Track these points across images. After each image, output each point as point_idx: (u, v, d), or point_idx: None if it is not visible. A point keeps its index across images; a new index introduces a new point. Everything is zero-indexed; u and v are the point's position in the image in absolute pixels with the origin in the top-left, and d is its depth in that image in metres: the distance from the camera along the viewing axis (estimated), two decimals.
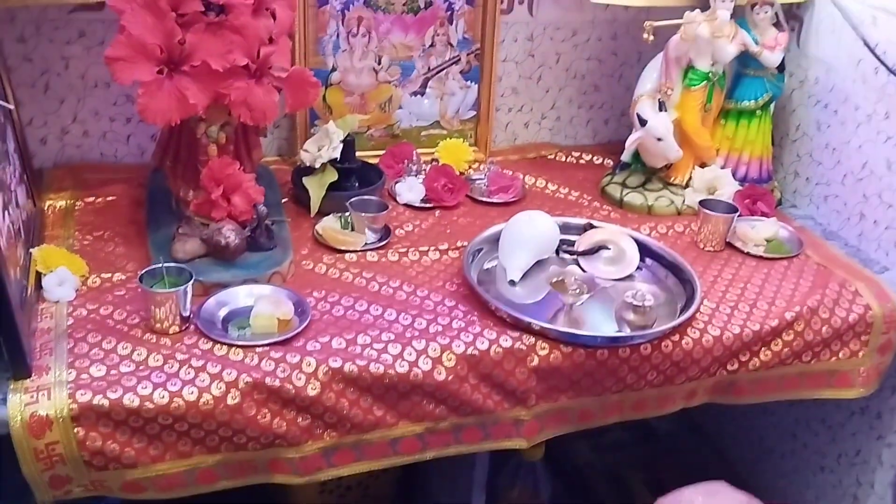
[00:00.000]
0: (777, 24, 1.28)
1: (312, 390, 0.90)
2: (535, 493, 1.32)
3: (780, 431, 1.42)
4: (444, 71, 1.38)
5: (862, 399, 1.18)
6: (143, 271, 0.95)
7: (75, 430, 0.83)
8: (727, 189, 1.30)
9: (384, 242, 1.15)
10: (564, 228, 1.17)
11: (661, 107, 1.28)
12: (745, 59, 1.30)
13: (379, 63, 1.34)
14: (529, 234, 1.12)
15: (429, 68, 1.37)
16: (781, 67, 1.30)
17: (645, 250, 1.16)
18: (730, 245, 1.22)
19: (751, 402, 1.10)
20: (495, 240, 1.14)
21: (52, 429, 0.82)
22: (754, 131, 1.34)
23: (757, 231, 1.22)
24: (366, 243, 1.14)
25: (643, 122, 1.27)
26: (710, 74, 1.28)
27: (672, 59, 1.27)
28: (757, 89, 1.32)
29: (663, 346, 1.01)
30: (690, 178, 1.32)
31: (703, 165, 1.33)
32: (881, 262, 1.21)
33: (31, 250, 0.98)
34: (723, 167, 1.33)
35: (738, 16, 1.27)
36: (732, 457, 1.57)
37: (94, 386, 0.84)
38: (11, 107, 1.01)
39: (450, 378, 0.95)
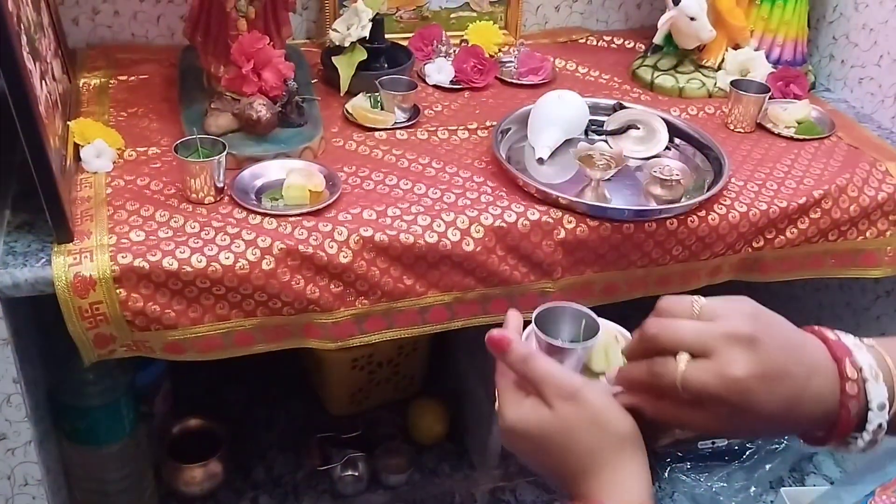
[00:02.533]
0: None
1: (344, 258, 0.92)
2: None
3: (804, 316, 1.42)
4: None
5: (887, 281, 1.19)
6: (178, 142, 0.97)
7: (118, 290, 0.86)
8: (760, 71, 1.28)
9: (413, 121, 1.16)
10: (594, 109, 1.17)
11: None
12: None
13: None
14: (559, 112, 1.12)
15: None
16: None
17: (674, 130, 1.15)
18: (760, 126, 1.21)
19: (775, 280, 1.11)
20: (524, 119, 1.14)
21: (96, 289, 0.85)
22: (790, 12, 1.31)
23: (788, 113, 1.20)
24: (395, 122, 1.15)
25: (676, 1, 1.25)
26: None
27: None
28: None
29: (689, 222, 1.02)
30: (723, 60, 1.30)
31: (736, 47, 1.31)
32: None
33: (68, 122, 1.00)
34: (756, 49, 1.31)
35: None
36: None
37: (135, 249, 0.87)
38: None
39: (478, 249, 0.97)
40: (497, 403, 0.66)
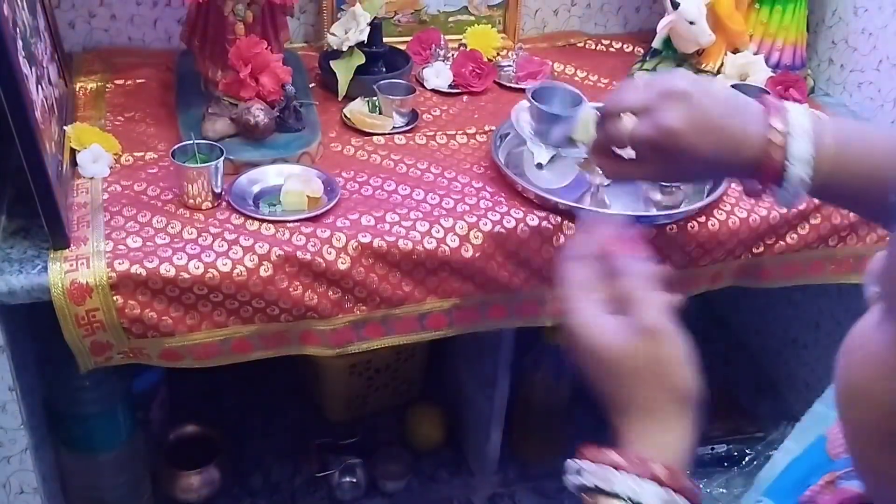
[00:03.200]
0: None
1: (342, 264, 0.92)
2: (558, 377, 1.35)
3: (803, 322, 1.43)
4: None
5: None
6: (175, 147, 0.96)
7: (114, 297, 0.86)
8: (760, 75, 1.27)
9: (412, 126, 1.15)
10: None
11: None
12: None
13: None
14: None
15: None
16: None
17: None
18: None
19: (775, 286, 1.11)
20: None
21: (92, 296, 0.85)
22: (789, 16, 1.30)
23: None
24: (393, 126, 1.14)
25: (675, 6, 1.24)
26: None
27: None
28: None
29: (689, 227, 1.02)
30: (722, 64, 1.30)
31: (735, 51, 1.30)
32: None
33: (64, 127, 1.00)
34: (756, 53, 1.30)
35: None
36: (755, 347, 1.59)
37: (131, 256, 0.87)
38: None
39: (477, 255, 0.96)
40: (570, 311, 0.65)
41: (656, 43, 1.31)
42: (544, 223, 0.99)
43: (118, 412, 1.11)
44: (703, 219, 1.02)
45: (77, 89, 1.15)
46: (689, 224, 1.02)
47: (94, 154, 0.99)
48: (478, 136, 1.15)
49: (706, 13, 1.24)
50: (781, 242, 1.07)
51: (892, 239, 0.43)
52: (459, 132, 1.16)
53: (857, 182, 0.71)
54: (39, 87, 0.91)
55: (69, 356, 0.89)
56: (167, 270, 0.86)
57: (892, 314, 0.42)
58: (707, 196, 1.04)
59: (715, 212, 1.03)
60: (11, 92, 0.78)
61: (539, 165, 1.09)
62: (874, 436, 0.43)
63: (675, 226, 1.01)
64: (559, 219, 0.99)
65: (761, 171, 0.71)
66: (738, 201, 1.05)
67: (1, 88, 0.77)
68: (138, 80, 1.19)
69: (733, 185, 1.07)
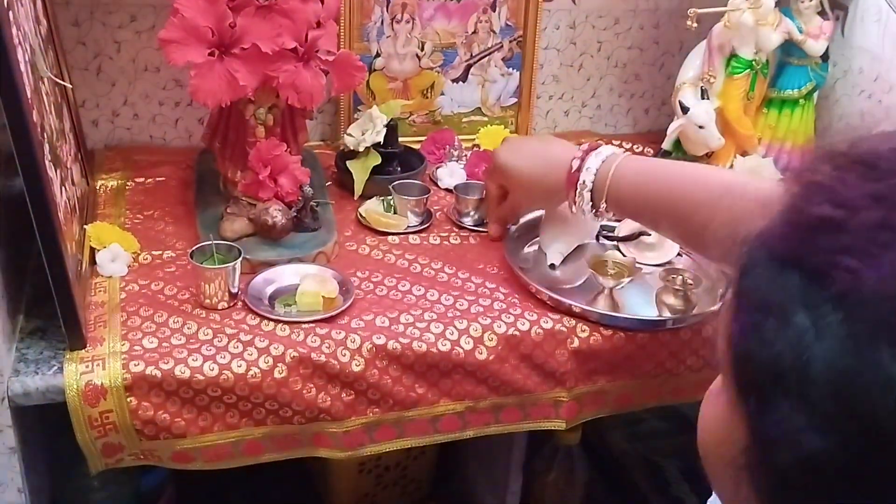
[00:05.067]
0: (822, 13, 1.27)
1: (357, 366, 0.92)
2: (571, 478, 1.33)
3: None
4: (487, 58, 1.39)
5: None
6: (194, 248, 0.97)
7: (128, 399, 0.85)
8: (769, 178, 1.29)
9: (426, 226, 1.17)
10: None
11: (704, 94, 1.28)
12: (789, 48, 1.29)
13: (422, 49, 1.35)
14: (571, 218, 1.13)
15: (471, 55, 1.38)
16: (825, 56, 1.30)
17: None
18: None
19: None
20: (536, 224, 1.15)
21: (107, 397, 0.85)
22: (797, 120, 1.33)
23: None
24: (408, 226, 1.16)
25: (685, 110, 1.27)
26: (753, 62, 1.28)
27: (715, 46, 1.27)
28: (800, 78, 1.32)
29: (703, 331, 1.02)
30: (732, 166, 1.32)
31: (744, 154, 1.33)
32: None
33: (85, 227, 1.01)
34: (764, 156, 1.33)
35: (783, 4, 1.27)
36: None
37: (147, 357, 0.87)
38: (70, 86, 1.04)
39: (491, 358, 0.96)
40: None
41: (666, 145, 1.34)
42: (558, 326, 0.99)
43: None
44: (716, 322, 1.02)
45: (98, 187, 1.18)
46: (704, 328, 1.01)
47: (112, 253, 1.00)
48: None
49: (715, 117, 1.27)
50: None
51: (720, 312, 0.48)
52: (472, 232, 1.17)
53: (633, 209, 0.98)
54: (63, 188, 0.93)
55: (78, 456, 0.88)
56: (182, 372, 0.87)
57: (724, 381, 0.47)
58: (721, 299, 1.04)
59: None
60: (36, 196, 0.80)
61: (552, 266, 1.10)
62: (725, 489, 0.49)
63: (689, 330, 1.01)
64: (573, 321, 0.99)
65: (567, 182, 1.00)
66: None
67: (27, 193, 0.79)
68: (158, 178, 1.22)
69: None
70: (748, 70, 1.28)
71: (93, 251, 1.00)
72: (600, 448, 1.54)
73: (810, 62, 1.30)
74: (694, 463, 1.59)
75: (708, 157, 1.33)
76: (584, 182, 0.98)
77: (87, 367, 0.85)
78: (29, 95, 0.79)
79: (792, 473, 0.41)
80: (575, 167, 0.99)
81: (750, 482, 0.44)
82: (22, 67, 0.78)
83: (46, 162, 0.84)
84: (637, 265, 1.08)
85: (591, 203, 0.99)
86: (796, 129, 1.33)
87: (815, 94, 1.32)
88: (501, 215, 1.12)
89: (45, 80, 0.92)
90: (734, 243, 0.46)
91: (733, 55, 1.28)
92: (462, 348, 0.95)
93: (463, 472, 1.41)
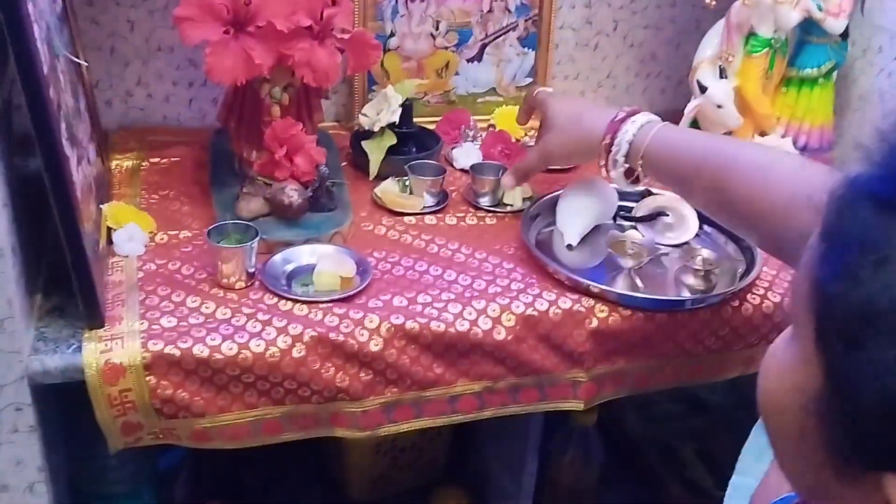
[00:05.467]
0: None
1: (375, 346, 0.91)
2: (587, 460, 1.33)
3: None
4: (502, 37, 1.38)
5: None
6: (211, 228, 0.97)
7: (147, 378, 0.85)
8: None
9: (442, 206, 1.16)
10: (623, 195, 1.17)
11: (722, 74, 1.27)
12: (808, 26, 1.28)
13: (437, 29, 1.34)
14: (588, 198, 1.12)
15: (486, 34, 1.37)
16: (845, 35, 1.28)
17: (704, 217, 1.15)
18: None
19: None
20: (553, 204, 1.14)
21: (126, 376, 0.85)
22: (816, 99, 1.32)
23: None
24: (424, 206, 1.15)
25: (703, 89, 1.26)
26: (772, 41, 1.26)
27: (734, 25, 1.26)
28: (819, 57, 1.30)
29: (723, 312, 1.01)
30: None
31: (762, 134, 1.32)
32: None
33: (101, 206, 1.01)
34: (783, 136, 1.31)
35: None
36: None
37: (166, 336, 0.87)
38: (86, 63, 1.03)
39: (509, 338, 0.96)
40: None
41: (683, 125, 1.32)
42: (576, 306, 0.98)
43: (144, 491, 1.10)
44: (736, 303, 1.02)
45: (113, 167, 1.17)
46: (723, 309, 1.01)
47: (129, 233, 1.00)
48: (507, 217, 1.15)
49: (733, 97, 1.26)
50: None
51: (800, 264, 0.48)
52: (489, 212, 1.16)
53: (668, 172, 0.98)
54: (80, 167, 0.92)
55: (96, 435, 0.88)
56: (201, 351, 0.86)
57: (796, 333, 0.47)
58: (740, 280, 1.04)
59: (748, 296, 1.03)
60: (55, 175, 0.80)
61: (569, 246, 1.09)
62: (788, 440, 0.49)
63: (708, 310, 1.00)
64: (591, 301, 0.99)
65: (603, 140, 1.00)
66: (771, 284, 1.05)
67: (45, 172, 0.79)
68: (173, 159, 1.21)
69: (764, 268, 1.06)
70: (767, 49, 1.26)
71: (109, 231, 1.00)
72: (615, 431, 1.53)
73: (830, 40, 1.28)
74: (709, 445, 1.59)
75: None
76: (619, 143, 0.98)
77: (106, 345, 0.85)
78: (46, 73, 0.78)
79: (873, 415, 0.42)
80: (619, 118, 0.99)
81: (819, 429, 0.45)
82: (39, 45, 0.77)
83: (64, 141, 0.84)
84: (656, 245, 1.07)
85: (624, 166, 0.99)
86: (815, 108, 1.32)
87: (835, 73, 1.31)
88: (525, 164, 1.11)
89: (61, 58, 0.91)
90: (805, 197, 0.50)
91: (752, 34, 1.26)
92: (480, 328, 0.95)
93: (478, 453, 1.41)
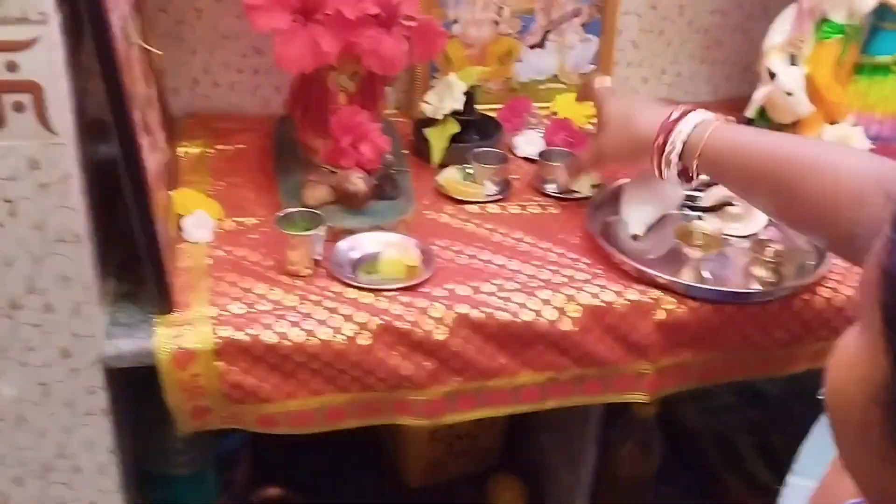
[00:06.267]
0: None
1: (440, 335, 0.91)
2: (647, 451, 1.32)
3: None
4: (565, 24, 1.36)
5: None
6: (278, 215, 0.98)
7: (217, 363, 0.86)
8: (859, 147, 1.25)
9: (505, 194, 1.16)
10: None
11: (792, 60, 1.24)
12: (883, 12, 1.24)
13: (500, 15, 1.33)
14: (653, 188, 1.10)
15: (549, 20, 1.36)
16: None
17: None
18: None
19: None
20: (618, 194, 1.13)
21: (196, 361, 0.86)
22: (889, 88, 1.28)
23: None
24: (487, 195, 1.14)
25: (772, 76, 1.23)
26: (845, 27, 1.23)
27: (805, 10, 1.23)
28: (893, 43, 1.26)
29: (792, 305, 0.99)
30: (821, 135, 1.28)
31: (833, 123, 1.28)
32: None
33: (170, 192, 1.02)
34: (854, 125, 1.28)
35: None
36: None
37: (235, 322, 0.88)
38: (160, 53, 1.05)
39: (574, 329, 0.95)
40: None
41: (750, 112, 1.30)
42: (642, 297, 0.97)
43: (206, 474, 1.11)
44: (807, 296, 0.99)
45: (180, 154, 1.19)
46: (793, 302, 0.99)
47: (198, 219, 1.01)
48: (571, 206, 1.14)
49: (804, 84, 1.23)
50: None
51: (870, 253, 0.48)
52: (554, 200, 1.15)
53: (726, 171, 0.95)
54: (151, 154, 0.93)
55: (162, 418, 0.89)
56: (269, 337, 0.87)
57: (865, 324, 0.47)
58: (811, 273, 1.01)
59: (819, 289, 1.00)
60: (130, 161, 0.81)
61: (635, 237, 1.08)
62: (853, 435, 0.48)
63: (777, 303, 0.98)
64: (658, 293, 0.97)
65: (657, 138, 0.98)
66: (843, 277, 1.02)
67: (122, 159, 0.80)
68: (238, 146, 1.22)
69: (835, 261, 1.04)
70: (840, 35, 1.23)
71: (178, 217, 1.01)
72: (674, 423, 1.52)
73: None
74: (768, 438, 1.56)
75: (795, 125, 1.28)
76: (673, 142, 0.96)
77: (177, 331, 0.86)
78: (124, 62, 0.79)
79: None
80: (672, 118, 0.97)
81: (885, 420, 0.45)
82: (117, 33, 0.78)
83: (138, 128, 0.85)
84: (724, 236, 1.05)
85: (679, 165, 0.97)
86: (888, 96, 1.28)
87: None
88: (580, 163, 1.11)
89: (134, 46, 0.92)
90: (875, 185, 0.47)
91: (824, 19, 1.23)
92: (545, 318, 0.94)
93: (534, 442, 1.41)
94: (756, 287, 1.00)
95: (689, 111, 0.97)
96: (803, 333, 1.01)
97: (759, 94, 1.25)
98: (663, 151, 0.97)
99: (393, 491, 1.41)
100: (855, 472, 0.51)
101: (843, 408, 0.49)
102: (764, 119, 1.30)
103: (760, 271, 1.00)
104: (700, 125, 0.95)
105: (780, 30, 1.26)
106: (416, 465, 1.42)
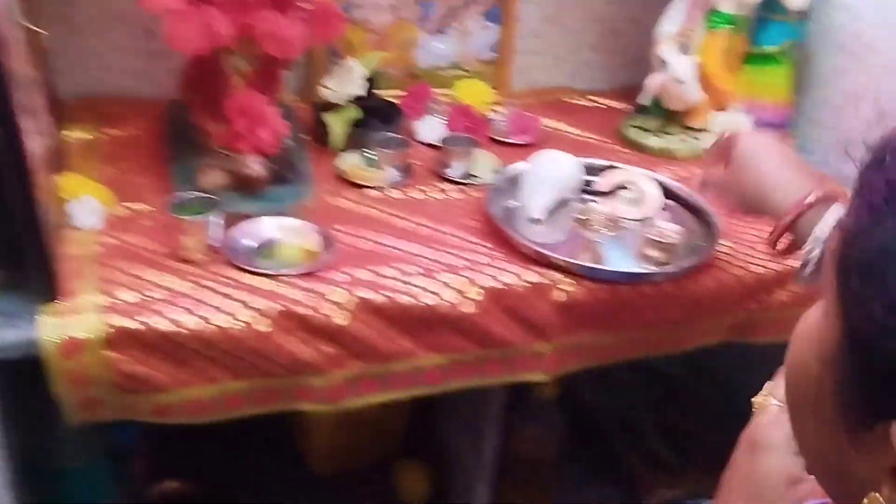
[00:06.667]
0: None
1: (340, 319, 0.91)
2: (548, 431, 1.34)
3: None
4: (465, 11, 1.37)
5: None
6: (172, 200, 0.95)
7: (107, 352, 0.84)
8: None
9: (406, 180, 1.16)
10: (587, 169, 1.17)
11: (684, 49, 1.27)
12: (770, 3, 1.29)
13: (400, 1, 1.33)
14: (553, 173, 1.12)
15: (449, 7, 1.36)
16: (805, 12, 1.30)
17: (666, 192, 1.16)
18: None
19: (768, 342, 1.11)
20: (518, 179, 1.14)
21: (85, 351, 0.83)
22: (775, 76, 1.33)
23: None
24: (388, 180, 1.14)
25: (665, 65, 1.27)
26: (734, 17, 1.27)
27: (696, 0, 1.26)
28: (780, 34, 1.32)
29: (685, 284, 1.02)
30: (710, 122, 1.32)
31: (722, 109, 1.33)
32: None
33: (56, 178, 0.98)
34: (742, 112, 1.33)
35: None
36: (738, 398, 1.58)
37: (126, 310, 0.85)
38: (45, 32, 1.00)
39: (475, 311, 0.96)
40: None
41: (644, 100, 1.34)
42: (541, 279, 0.98)
43: (100, 467, 1.08)
44: (698, 276, 1.03)
45: (68, 138, 1.14)
46: (685, 282, 1.02)
47: (86, 205, 0.97)
48: (472, 191, 1.15)
49: (695, 72, 1.26)
50: (774, 299, 1.07)
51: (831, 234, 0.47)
52: (454, 186, 1.16)
53: None
54: (33, 137, 0.89)
55: (52, 410, 0.86)
56: (163, 325, 0.85)
57: (823, 293, 0.48)
58: (702, 253, 1.05)
59: (711, 269, 1.04)
60: (9, 144, 0.77)
61: (535, 220, 1.09)
62: (805, 401, 0.49)
63: (670, 283, 1.01)
64: (556, 275, 0.99)
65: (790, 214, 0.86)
66: (731, 257, 1.06)
67: (1, 139, 0.76)
68: (130, 131, 1.19)
69: (724, 242, 1.08)
70: (729, 25, 1.27)
71: (65, 203, 0.98)
72: (575, 403, 1.55)
73: (790, 18, 1.29)
74: (667, 417, 1.60)
75: (685, 112, 1.32)
76: (813, 244, 0.83)
77: (64, 320, 0.83)
78: (4, 41, 0.76)
79: (885, 356, 0.42)
80: (809, 201, 0.84)
81: (834, 381, 0.46)
82: None
83: (18, 109, 0.81)
84: (620, 219, 1.08)
85: (813, 259, 0.84)
86: (774, 85, 1.33)
87: (794, 51, 1.32)
88: (703, 184, 0.98)
89: (16, 26, 0.88)
90: None
91: (714, 10, 1.27)
92: (447, 301, 0.95)
93: (439, 427, 1.42)
94: (649, 268, 1.03)
95: (829, 199, 0.84)
96: (695, 312, 1.04)
97: (652, 83, 1.29)
98: (789, 228, 0.86)
99: (298, 479, 1.40)
100: (805, 445, 0.52)
101: (798, 374, 0.50)
102: (657, 106, 1.33)
103: (653, 252, 1.03)
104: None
105: (672, 20, 1.30)
106: (322, 452, 1.41)
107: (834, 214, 0.83)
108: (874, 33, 1.24)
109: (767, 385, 0.68)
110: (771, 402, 0.67)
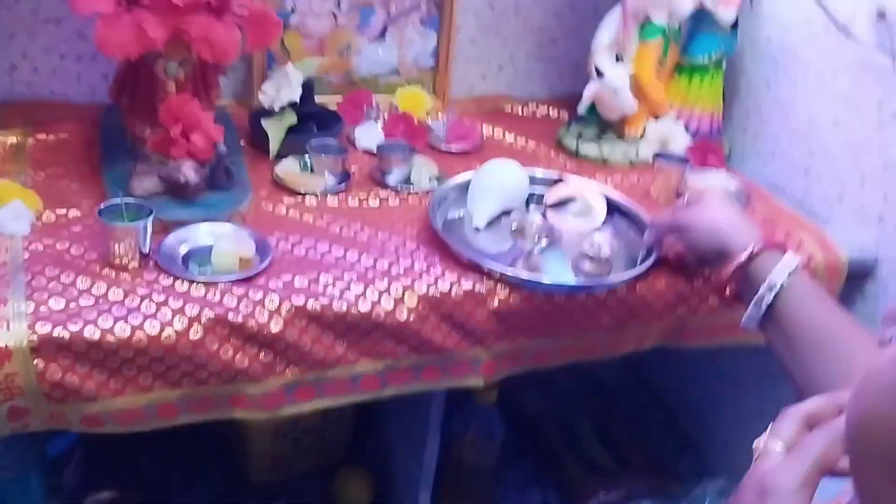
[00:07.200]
0: None
1: (275, 326, 0.90)
2: (488, 437, 1.35)
3: (722, 381, 1.47)
4: (404, 18, 1.37)
5: None
6: (102, 206, 0.94)
7: (34, 361, 0.82)
8: (679, 142, 1.33)
9: (344, 186, 1.15)
10: (534, 180, 1.18)
11: (619, 59, 1.30)
12: (701, 16, 1.32)
13: (339, 7, 1.33)
14: (499, 182, 1.13)
15: (388, 14, 1.36)
16: (735, 25, 1.33)
17: (612, 205, 1.17)
18: (681, 196, 1.24)
19: (698, 346, 1.14)
20: (462, 187, 1.14)
21: (11, 360, 0.81)
22: (707, 87, 1.36)
23: (707, 183, 1.24)
24: (325, 186, 1.14)
25: (600, 74, 1.29)
26: (666, 29, 1.30)
27: (629, 12, 1.29)
28: (711, 46, 1.34)
29: (618, 292, 1.04)
30: (644, 130, 1.35)
31: (656, 118, 1.36)
32: (824, 214, 1.25)
33: None
34: (675, 121, 1.36)
35: None
36: (675, 408, 1.62)
37: (54, 318, 0.84)
38: None
39: (411, 318, 0.96)
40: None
41: (581, 109, 1.36)
42: (478, 286, 0.99)
43: (31, 478, 1.05)
44: (633, 284, 1.04)
45: None
46: (619, 289, 1.04)
47: (13, 211, 0.95)
48: (410, 198, 1.16)
49: (629, 82, 1.29)
50: (705, 304, 1.10)
51: None
52: (392, 194, 1.16)
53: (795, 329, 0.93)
54: None
55: None
56: (92, 333, 0.83)
57: None
58: (641, 263, 1.06)
59: (645, 278, 1.06)
60: None
61: (476, 229, 1.10)
62: (881, 463, 0.45)
63: (604, 291, 1.03)
64: (492, 283, 1.00)
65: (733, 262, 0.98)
66: (664, 265, 1.08)
67: None
68: (61, 135, 1.17)
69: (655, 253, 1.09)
70: (661, 36, 1.30)
71: None
72: (516, 408, 1.56)
73: (720, 30, 1.33)
74: (605, 423, 1.62)
75: (622, 122, 1.35)
76: (768, 288, 0.94)
77: None
78: None
79: None
80: (757, 248, 0.96)
81: None
82: None
83: None
84: (558, 230, 1.09)
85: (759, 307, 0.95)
86: (706, 95, 1.36)
87: (725, 62, 1.36)
88: (663, 223, 1.06)
89: None
90: None
91: (647, 21, 1.30)
92: (382, 308, 0.95)
93: (381, 434, 1.42)
94: (582, 280, 1.04)
95: (778, 246, 0.97)
96: (628, 319, 1.06)
97: (589, 92, 1.31)
98: (741, 271, 0.97)
99: (235, 487, 1.38)
100: None
101: (876, 436, 0.45)
102: (594, 115, 1.36)
103: (587, 265, 1.04)
104: (792, 274, 0.94)
105: (607, 30, 1.32)
106: (261, 461, 1.40)
107: (787, 264, 0.94)
108: (800, 45, 1.28)
109: (771, 427, 0.64)
110: (777, 446, 0.64)
